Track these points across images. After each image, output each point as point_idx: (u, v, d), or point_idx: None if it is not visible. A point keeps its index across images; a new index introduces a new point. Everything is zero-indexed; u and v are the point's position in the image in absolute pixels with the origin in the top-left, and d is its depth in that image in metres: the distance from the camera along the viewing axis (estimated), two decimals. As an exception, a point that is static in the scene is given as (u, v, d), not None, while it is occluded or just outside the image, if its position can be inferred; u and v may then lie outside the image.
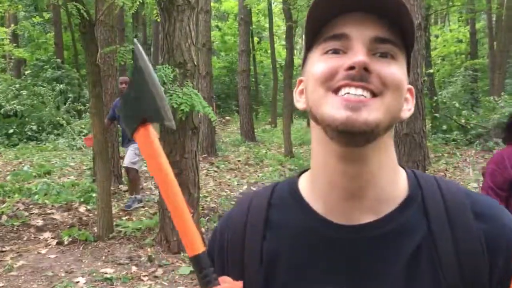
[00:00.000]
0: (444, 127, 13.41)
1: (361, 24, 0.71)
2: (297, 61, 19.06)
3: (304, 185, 0.81)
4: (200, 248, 0.72)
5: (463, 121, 13.59)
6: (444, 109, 14.36)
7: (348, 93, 0.68)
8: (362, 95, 0.67)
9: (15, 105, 13.76)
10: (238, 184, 8.29)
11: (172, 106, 4.40)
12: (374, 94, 0.68)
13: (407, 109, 0.77)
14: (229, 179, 8.72)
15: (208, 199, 7.08)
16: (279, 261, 0.77)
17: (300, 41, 24.94)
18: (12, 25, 20.72)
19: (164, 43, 4.80)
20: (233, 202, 6.79)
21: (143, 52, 0.74)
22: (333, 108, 0.69)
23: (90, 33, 4.77)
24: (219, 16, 27.77)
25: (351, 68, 0.68)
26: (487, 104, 15.35)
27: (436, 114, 13.44)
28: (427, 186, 0.77)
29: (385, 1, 0.69)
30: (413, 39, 0.73)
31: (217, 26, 24.46)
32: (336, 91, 0.70)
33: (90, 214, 5.98)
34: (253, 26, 18.64)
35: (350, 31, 0.71)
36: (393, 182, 0.75)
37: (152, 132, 0.74)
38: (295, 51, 18.10)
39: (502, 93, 16.64)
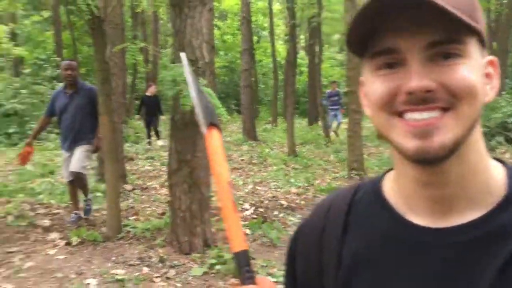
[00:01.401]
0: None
1: (411, 29, 0.60)
2: (299, 60, 18.97)
3: (389, 186, 0.75)
4: (244, 245, 0.76)
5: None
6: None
7: (414, 118, 0.61)
8: (431, 117, 0.60)
9: (15, 104, 13.64)
10: (243, 184, 8.21)
11: (186, 108, 4.33)
12: (445, 109, 0.61)
13: (490, 88, 0.67)
14: (234, 178, 8.64)
15: (214, 199, 6.99)
16: (360, 267, 0.71)
17: (301, 40, 24.80)
18: (11, 23, 20.56)
19: (175, 41, 4.72)
20: (240, 202, 6.72)
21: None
22: (401, 136, 0.62)
23: (99, 29, 4.68)
24: (218, 16, 27.69)
25: (411, 93, 0.60)
26: (488, 104, 15.34)
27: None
28: None
29: None
30: (478, 17, 0.62)
31: (216, 25, 24.39)
32: (400, 114, 0.62)
33: (97, 214, 5.89)
34: (253, 25, 18.56)
35: (399, 43, 0.61)
36: (485, 183, 0.67)
37: (216, 134, 0.85)
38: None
39: (503, 92, 16.66)
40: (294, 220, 5.82)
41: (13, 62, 23.21)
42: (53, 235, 5.09)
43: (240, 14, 15.58)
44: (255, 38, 22.91)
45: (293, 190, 7.59)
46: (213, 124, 0.85)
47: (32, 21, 19.65)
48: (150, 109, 12.13)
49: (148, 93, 12.42)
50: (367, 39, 0.64)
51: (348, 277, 0.72)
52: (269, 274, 4.08)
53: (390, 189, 0.74)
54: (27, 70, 17.58)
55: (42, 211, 5.91)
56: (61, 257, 4.52)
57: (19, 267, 4.20)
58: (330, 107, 13.74)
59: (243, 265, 0.75)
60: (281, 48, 22.78)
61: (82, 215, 5.55)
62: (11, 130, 12.98)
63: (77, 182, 5.42)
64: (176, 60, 4.66)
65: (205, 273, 4.17)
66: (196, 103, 0.86)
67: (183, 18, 4.64)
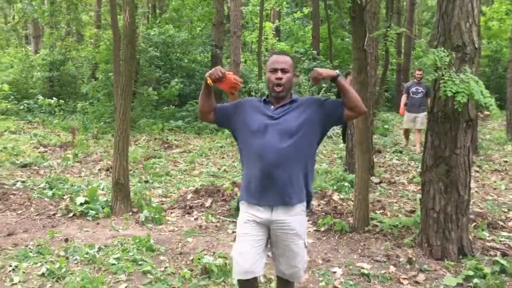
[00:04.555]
0: None
1: None
2: None
3: None
4: None
5: None
6: None
7: None
8: None
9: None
10: (506, 189, 7.14)
11: (446, 94, 3.89)
12: None
13: None
14: (495, 181, 7.60)
15: (471, 202, 6.24)
16: None
17: None
18: (277, 21, 22.69)
19: (439, 25, 4.30)
20: (504, 209, 5.84)
21: None
22: None
23: (359, 17, 4.60)
24: (482, 1, 24.95)
25: None
26: None
27: None
28: None
29: None
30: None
31: (480, 11, 22.01)
32: None
33: (344, 204, 5.92)
34: (528, 7, 15.99)
35: None
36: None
37: None
38: None
39: None
40: None
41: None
42: (303, 219, 5.31)
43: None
44: (528, 23, 19.78)
45: None
46: None
47: (293, 17, 21.26)
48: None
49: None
50: None
51: None
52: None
53: None
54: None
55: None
56: (310, 241, 4.65)
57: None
58: None
59: None
60: None
61: None
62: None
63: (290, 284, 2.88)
64: (438, 44, 4.25)
65: (459, 284, 3.71)
66: None
67: (451, -1, 4.18)
